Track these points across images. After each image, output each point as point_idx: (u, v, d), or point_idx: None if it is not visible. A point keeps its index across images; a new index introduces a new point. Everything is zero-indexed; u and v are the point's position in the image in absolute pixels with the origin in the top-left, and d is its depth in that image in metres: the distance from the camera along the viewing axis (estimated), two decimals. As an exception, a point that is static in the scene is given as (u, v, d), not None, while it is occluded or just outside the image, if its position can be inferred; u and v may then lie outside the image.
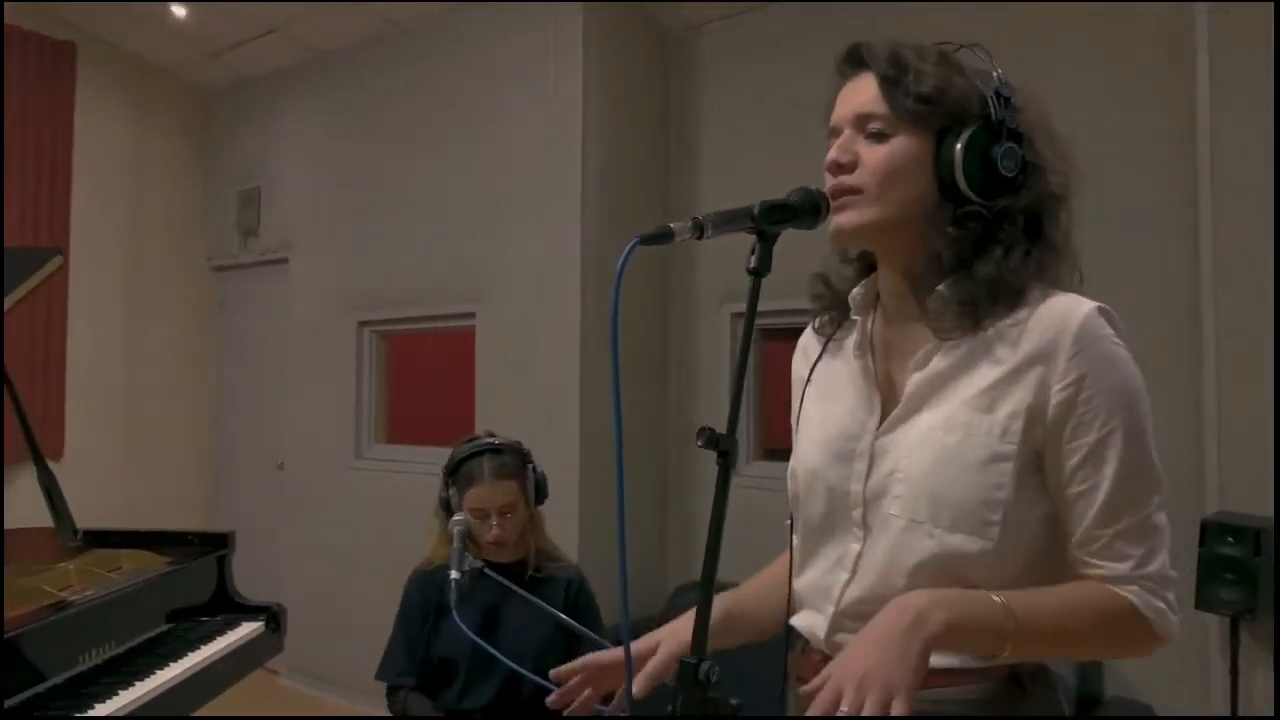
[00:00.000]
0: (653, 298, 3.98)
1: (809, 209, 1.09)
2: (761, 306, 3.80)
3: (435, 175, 4.35)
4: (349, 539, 4.62)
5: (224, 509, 5.52)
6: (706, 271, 3.92)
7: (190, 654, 2.55)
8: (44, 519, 3.08)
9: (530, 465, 2.25)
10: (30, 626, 2.11)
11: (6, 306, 2.53)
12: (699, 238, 1.02)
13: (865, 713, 0.91)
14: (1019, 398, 1.06)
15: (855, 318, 1.22)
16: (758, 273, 1.03)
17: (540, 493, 2.24)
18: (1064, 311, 1.07)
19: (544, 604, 2.04)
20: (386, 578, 4.48)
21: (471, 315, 4.16)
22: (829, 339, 1.26)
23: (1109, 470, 1.05)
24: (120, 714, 2.13)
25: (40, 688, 2.10)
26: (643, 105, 4.00)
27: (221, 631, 2.76)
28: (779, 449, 4.03)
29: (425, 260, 4.36)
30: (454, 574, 1.94)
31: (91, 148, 5.02)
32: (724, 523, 0.98)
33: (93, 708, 2.12)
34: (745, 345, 1.02)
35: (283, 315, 5.08)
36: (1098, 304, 1.08)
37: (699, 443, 0.97)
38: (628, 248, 0.97)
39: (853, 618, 1.12)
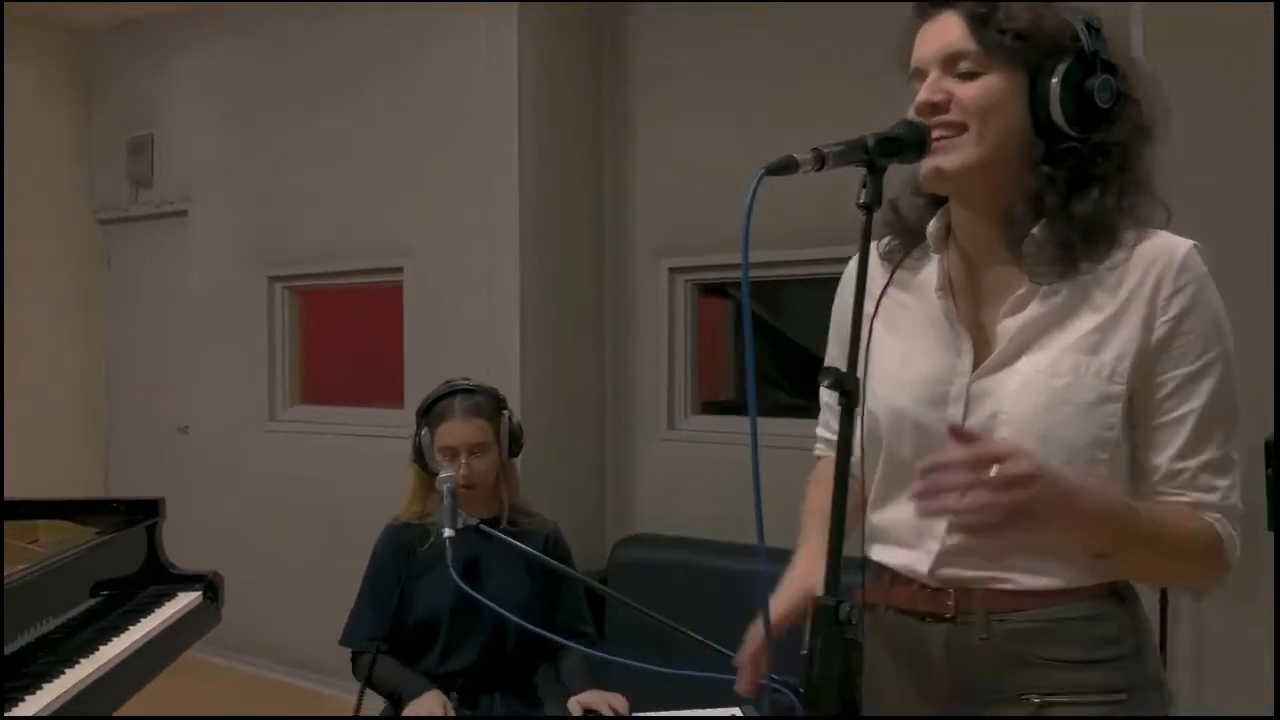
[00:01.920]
0: (588, 252, 3.89)
1: (915, 142, 1.07)
2: (699, 261, 3.78)
3: (353, 124, 4.12)
4: (266, 505, 4.41)
5: (118, 476, 5.18)
6: (643, 225, 3.85)
7: (130, 628, 2.37)
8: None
9: (505, 412, 2.16)
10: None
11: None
12: (819, 169, 0.99)
13: (1003, 495, 0.94)
14: (1125, 339, 1.08)
15: (934, 255, 1.21)
16: (869, 207, 1.00)
17: (515, 442, 2.15)
18: (1163, 250, 1.10)
19: (538, 553, 1.97)
20: (309, 544, 4.34)
21: (399, 270, 3.98)
22: (895, 267, 1.24)
23: (1199, 403, 1.08)
24: (69, 694, 1.95)
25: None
26: (579, 45, 3.87)
27: (158, 604, 2.58)
28: (715, 402, 4.03)
29: (344, 214, 4.14)
30: (448, 532, 1.83)
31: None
32: (849, 459, 0.94)
33: (40, 689, 1.94)
34: (861, 281, 0.98)
35: (181, 271, 4.77)
36: (1192, 242, 1.11)
37: (825, 383, 0.93)
38: (756, 177, 0.94)
39: (960, 552, 1.14)
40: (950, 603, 1.14)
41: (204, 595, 2.72)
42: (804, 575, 1.23)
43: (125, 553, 2.71)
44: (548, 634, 1.81)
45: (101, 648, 2.19)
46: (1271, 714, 1.46)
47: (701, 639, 1.76)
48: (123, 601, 2.57)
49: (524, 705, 2.07)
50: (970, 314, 1.18)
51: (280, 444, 4.38)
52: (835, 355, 1.31)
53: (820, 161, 0.98)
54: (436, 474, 2.03)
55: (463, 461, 2.03)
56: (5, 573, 2.16)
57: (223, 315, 4.56)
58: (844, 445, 0.95)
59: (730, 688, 1.36)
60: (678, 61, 3.75)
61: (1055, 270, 1.10)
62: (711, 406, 3.97)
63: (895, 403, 1.19)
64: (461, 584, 1.72)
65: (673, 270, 3.79)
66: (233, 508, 4.51)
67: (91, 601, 2.46)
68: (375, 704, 2.24)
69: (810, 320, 4.96)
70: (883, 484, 1.24)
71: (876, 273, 1.26)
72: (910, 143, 1.06)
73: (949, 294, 1.19)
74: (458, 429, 2.05)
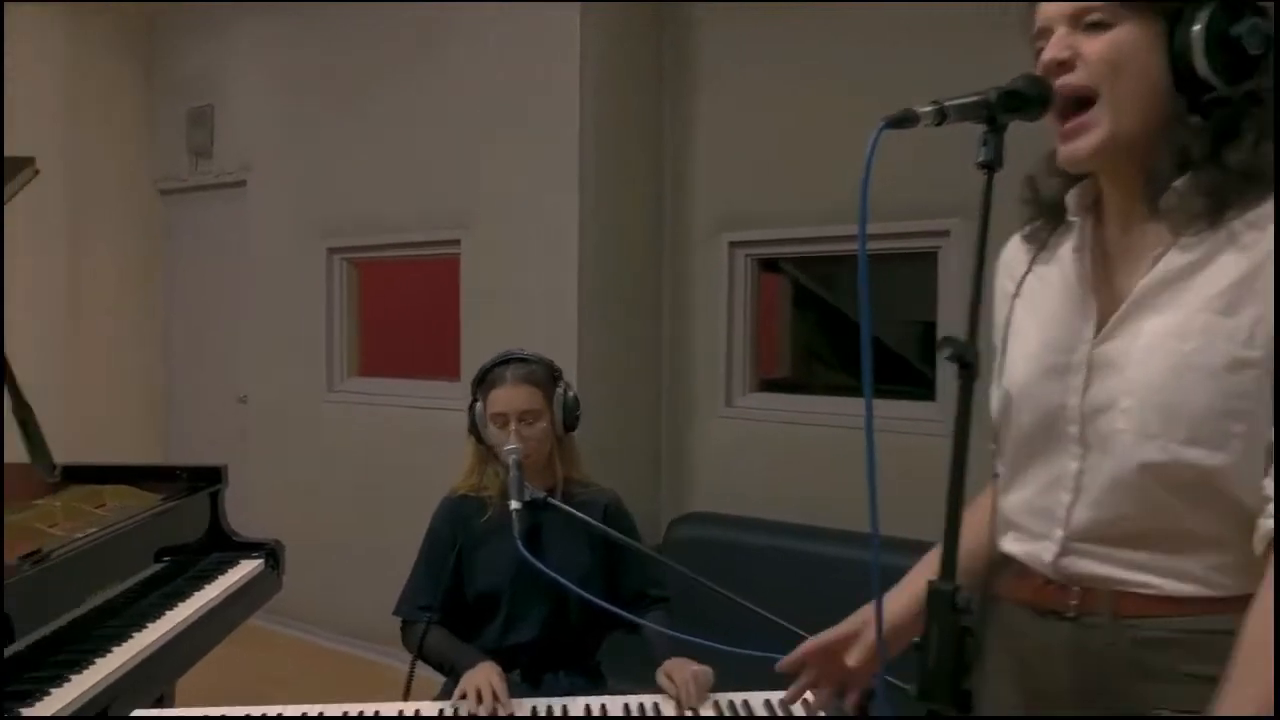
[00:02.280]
0: (647, 226, 3.83)
1: (1038, 98, 0.99)
2: (761, 235, 3.69)
3: (412, 92, 4.09)
4: (323, 475, 4.43)
5: (178, 445, 5.25)
6: (704, 198, 3.78)
7: (194, 594, 2.39)
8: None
9: (562, 384, 2.10)
10: (30, 571, 1.91)
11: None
12: (939, 123, 0.93)
13: None
14: (1265, 297, 0.96)
15: (1072, 219, 1.12)
16: (991, 165, 0.92)
17: (570, 415, 2.08)
18: None
19: (598, 524, 1.93)
20: (365, 515, 4.37)
21: (456, 243, 3.95)
22: (1040, 248, 1.16)
23: None
24: (135, 660, 1.95)
25: (45, 631, 1.91)
26: (642, 15, 3.79)
27: (220, 570, 2.61)
28: (772, 379, 3.96)
29: (402, 183, 4.12)
30: (514, 504, 1.80)
31: (21, 63, 4.59)
32: (968, 434, 0.87)
33: (109, 651, 1.95)
34: (981, 245, 0.91)
35: (240, 241, 4.79)
36: None
37: (944, 354, 0.86)
38: (875, 131, 0.87)
39: (1085, 540, 1.05)
40: (1074, 601, 1.05)
41: (265, 563, 2.74)
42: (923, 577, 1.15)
43: (189, 519, 2.73)
44: (611, 608, 1.76)
45: (167, 613, 2.21)
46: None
47: (770, 615, 1.72)
48: (186, 568, 2.59)
49: (588, 682, 2.04)
50: (1107, 279, 1.09)
51: (338, 415, 4.40)
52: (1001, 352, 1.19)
53: (941, 115, 0.92)
54: (491, 445, 2.01)
55: (513, 429, 1.98)
56: (74, 536, 2.18)
57: (281, 286, 4.58)
58: (961, 421, 0.88)
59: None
60: (743, 31, 3.66)
61: (1200, 220, 0.99)
62: (769, 384, 3.90)
63: (1018, 378, 1.12)
64: (529, 556, 1.69)
65: (733, 244, 3.72)
66: (290, 477, 4.55)
67: (156, 567, 2.48)
68: (428, 678, 2.21)
69: (870, 299, 4.83)
70: (1008, 466, 1.15)
71: (1020, 254, 1.19)
72: (1033, 98, 0.98)
73: (1085, 255, 1.10)
74: (508, 395, 2.01)
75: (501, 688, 1.74)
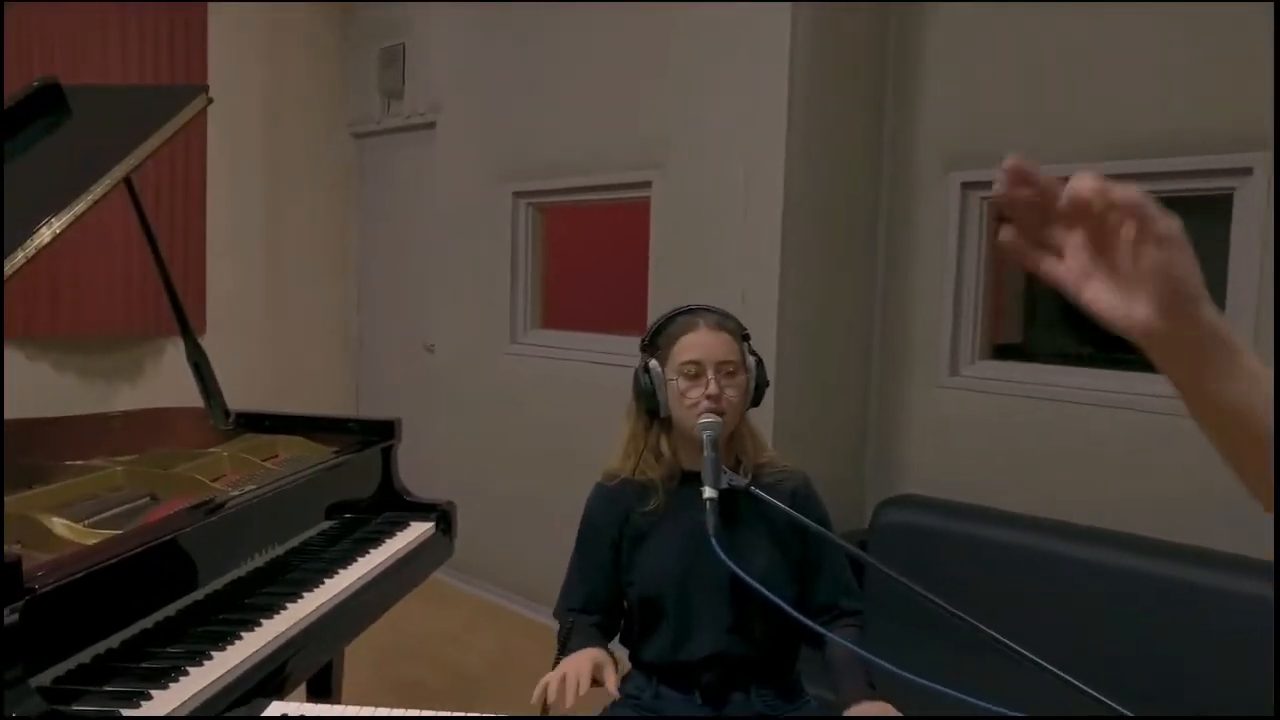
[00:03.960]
0: (864, 164, 3.40)
1: None
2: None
3: (603, 26, 3.82)
4: (502, 428, 4.32)
5: (369, 392, 5.33)
6: (931, 131, 3.32)
7: (361, 559, 2.24)
8: (182, 400, 2.83)
9: (752, 351, 1.75)
10: (188, 528, 1.79)
11: (155, 145, 2.17)
12: None
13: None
14: None
15: None
16: None
17: (760, 386, 1.74)
18: None
19: (795, 513, 1.60)
20: (543, 471, 4.23)
21: (647, 185, 3.68)
22: None
23: None
24: (294, 630, 1.80)
25: (198, 594, 1.79)
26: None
27: (389, 533, 2.46)
28: (1007, 345, 3.47)
29: (592, 122, 3.88)
30: (709, 492, 1.49)
31: (223, 9, 4.67)
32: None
33: (283, 609, 1.81)
34: None
35: (429, 185, 4.72)
36: None
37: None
38: None
39: None
40: None
41: (437, 526, 2.59)
42: None
43: (361, 475, 2.61)
44: (808, 621, 1.42)
45: (329, 580, 2.07)
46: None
47: (996, 634, 1.33)
48: (354, 527, 2.47)
49: (784, 703, 1.72)
50: None
51: (520, 367, 4.26)
52: None
53: None
54: (669, 415, 1.69)
55: (710, 378, 1.65)
56: (242, 489, 2.07)
57: (467, 232, 4.47)
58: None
59: None
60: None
61: None
62: (1002, 351, 3.42)
63: None
64: (728, 560, 1.39)
65: (965, 186, 3.25)
66: (470, 429, 4.48)
67: (326, 524, 2.37)
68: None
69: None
70: None
71: None
72: None
73: None
74: (704, 340, 1.68)
75: (586, 670, 1.46)
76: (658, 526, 1.73)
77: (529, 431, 4.22)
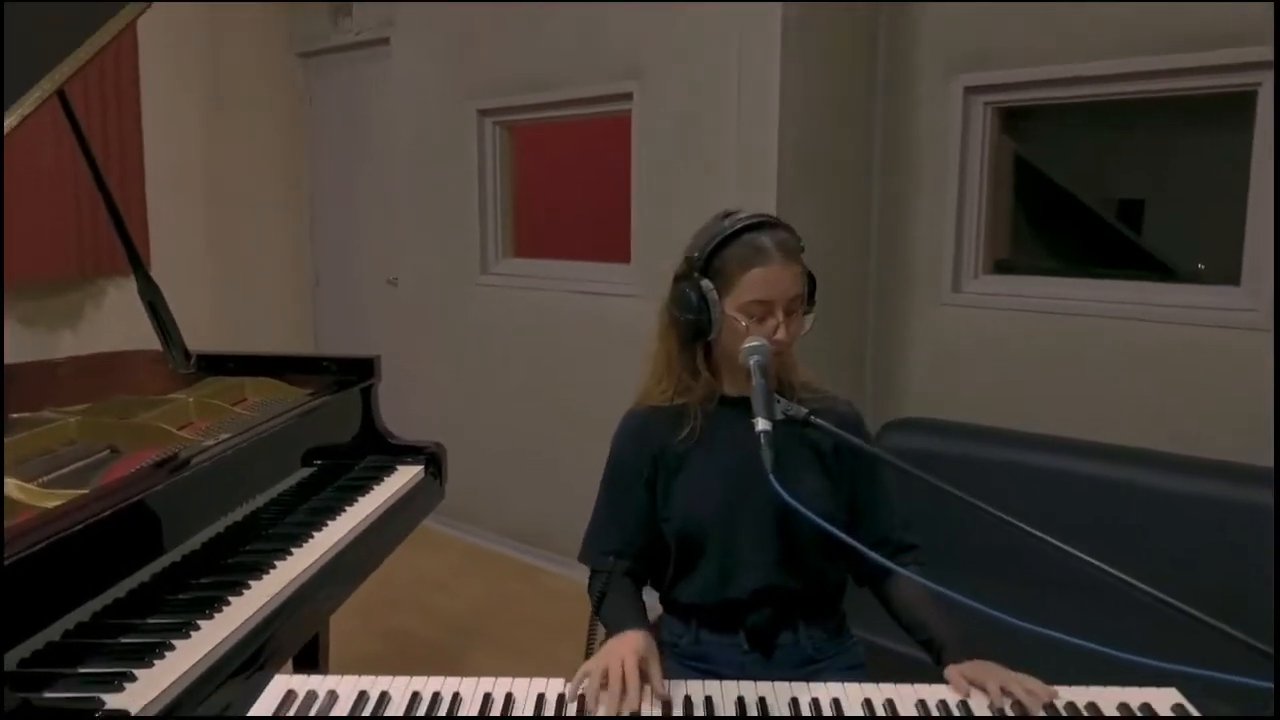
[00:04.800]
0: (856, 67, 3.21)
1: None
2: (1006, 78, 2.93)
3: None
4: (476, 365, 4.14)
5: (328, 333, 5.08)
6: (930, 34, 3.13)
7: (348, 509, 2.08)
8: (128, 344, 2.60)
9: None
10: (162, 483, 1.60)
11: (90, 53, 1.91)
12: None
13: None
14: None
15: None
16: None
17: (811, 300, 1.57)
18: None
19: (860, 442, 1.45)
20: (523, 409, 4.06)
21: (626, 98, 3.45)
22: None
23: None
24: (287, 591, 1.63)
25: (174, 556, 1.61)
26: None
27: (376, 480, 2.29)
28: (1008, 261, 3.35)
29: (562, 29, 3.63)
30: (762, 424, 1.33)
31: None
32: None
33: (261, 577, 1.64)
34: None
35: (385, 107, 4.43)
36: None
37: None
38: None
39: None
40: None
41: (426, 470, 2.42)
42: None
43: (340, 418, 2.43)
44: (874, 554, 1.27)
45: (317, 534, 1.90)
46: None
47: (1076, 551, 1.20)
48: (337, 475, 2.29)
49: (833, 642, 1.60)
50: None
51: (493, 300, 4.06)
52: None
53: None
54: (712, 338, 1.51)
55: (779, 321, 1.48)
56: (214, 438, 1.88)
57: (429, 156, 4.21)
58: None
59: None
60: None
61: None
62: (1003, 267, 3.29)
63: None
64: (792, 501, 1.24)
65: (969, 90, 3.08)
66: (442, 367, 4.29)
67: (305, 473, 2.18)
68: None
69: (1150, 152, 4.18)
70: None
71: None
72: None
73: None
74: (776, 277, 1.47)
75: (633, 667, 1.27)
76: (696, 456, 1.57)
77: (506, 368, 4.03)
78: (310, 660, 2.50)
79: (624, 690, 1.24)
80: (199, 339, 2.59)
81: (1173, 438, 2.67)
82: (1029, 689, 1.26)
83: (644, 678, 1.27)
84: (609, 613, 1.52)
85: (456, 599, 3.71)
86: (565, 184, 4.23)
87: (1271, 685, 0.96)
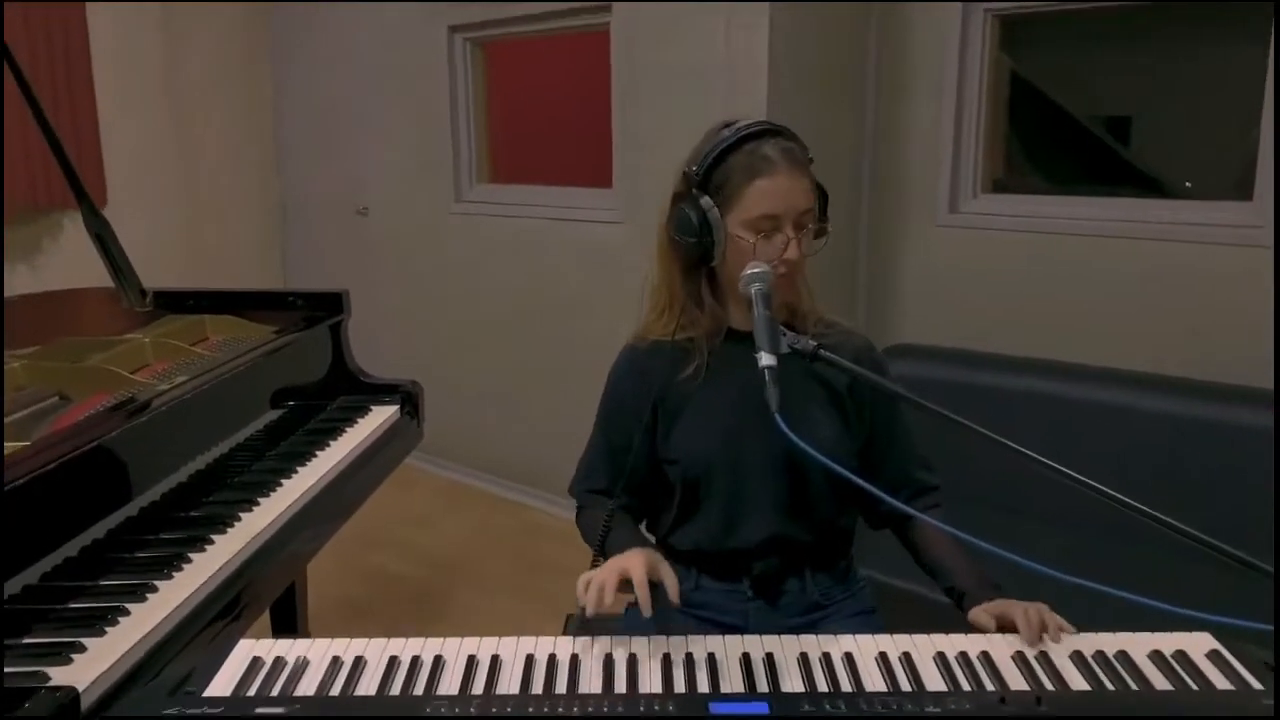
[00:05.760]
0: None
1: None
2: None
3: None
4: (453, 297, 4.00)
5: (297, 265, 4.91)
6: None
7: (319, 454, 1.97)
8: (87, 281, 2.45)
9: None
10: (114, 431, 1.49)
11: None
12: None
13: None
14: None
15: None
16: None
17: (824, 218, 1.45)
18: None
19: (878, 379, 1.35)
20: (501, 341, 3.95)
21: (606, 9, 3.27)
22: None
23: None
24: (253, 547, 1.53)
25: (130, 509, 1.51)
26: None
27: (349, 421, 2.19)
28: (1003, 181, 3.23)
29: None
30: (766, 359, 1.22)
31: None
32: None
33: (225, 530, 1.53)
34: None
35: (350, 24, 4.20)
36: None
37: None
38: None
39: None
40: None
41: (402, 409, 2.31)
42: None
43: (309, 356, 2.30)
44: (892, 500, 1.18)
45: (285, 482, 1.79)
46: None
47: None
48: (307, 417, 2.17)
49: (840, 587, 1.52)
50: None
51: (468, 228, 3.91)
52: None
53: None
54: (714, 263, 1.39)
55: (789, 237, 1.35)
56: (157, 387, 1.76)
57: (397, 76, 4.02)
58: None
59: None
60: None
61: None
62: (1000, 186, 3.17)
63: None
64: (799, 442, 1.14)
65: (970, -2, 2.92)
66: (417, 300, 4.16)
67: (273, 415, 2.07)
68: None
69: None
70: None
71: None
72: None
73: None
74: (785, 187, 1.34)
75: (642, 578, 1.24)
76: (701, 394, 1.45)
77: (483, 299, 3.90)
78: (288, 609, 2.42)
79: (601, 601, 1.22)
80: (162, 276, 2.45)
81: (1183, 362, 2.58)
82: (1059, 624, 1.19)
83: (654, 588, 1.24)
84: (611, 545, 1.42)
85: (439, 536, 3.63)
86: (542, 105, 4.04)
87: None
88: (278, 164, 4.89)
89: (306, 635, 2.55)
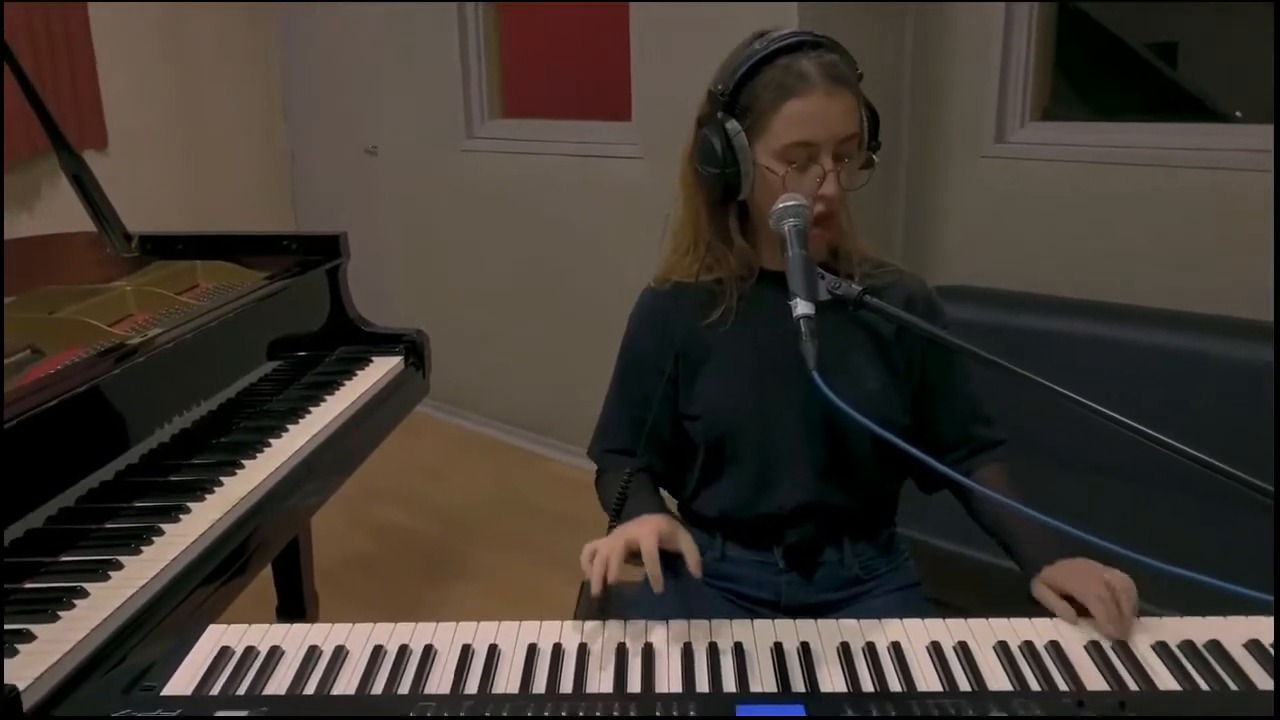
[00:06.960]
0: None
1: None
2: None
3: None
4: (465, 238, 3.87)
5: (306, 208, 4.78)
6: None
7: (316, 408, 1.83)
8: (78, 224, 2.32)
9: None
10: (88, 383, 1.37)
11: None
12: None
13: None
14: None
15: None
16: None
17: (873, 139, 1.27)
18: None
19: (936, 331, 1.18)
20: (516, 283, 3.80)
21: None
22: None
23: None
24: (232, 515, 1.41)
25: (106, 473, 1.39)
26: None
27: (348, 374, 2.05)
28: (1051, 110, 3.01)
29: None
30: (802, 307, 1.06)
31: None
32: None
33: (204, 498, 1.41)
34: None
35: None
36: None
37: None
38: None
39: None
40: None
41: (406, 360, 2.17)
42: None
43: (305, 304, 2.17)
44: (941, 466, 1.02)
45: (274, 443, 1.66)
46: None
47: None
48: (304, 369, 2.04)
49: (882, 558, 1.37)
50: None
51: (480, 165, 3.75)
52: None
53: None
54: (743, 197, 1.22)
55: (828, 167, 1.17)
56: (151, 335, 1.63)
57: (405, 4, 3.82)
58: None
59: None
60: None
61: None
62: (1048, 115, 2.96)
63: None
64: (838, 402, 0.99)
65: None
66: (428, 241, 4.02)
67: (267, 367, 1.94)
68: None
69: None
70: None
71: None
72: None
73: None
74: (822, 108, 1.16)
75: (652, 548, 1.10)
76: (728, 342, 1.30)
77: (495, 240, 3.76)
78: (291, 565, 2.33)
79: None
80: (167, 221, 2.32)
81: (1252, 302, 2.39)
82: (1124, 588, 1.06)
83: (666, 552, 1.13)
84: (628, 513, 1.28)
85: (451, 488, 3.53)
86: (557, 34, 3.85)
87: None
88: (285, 109, 4.74)
89: (313, 594, 2.48)
